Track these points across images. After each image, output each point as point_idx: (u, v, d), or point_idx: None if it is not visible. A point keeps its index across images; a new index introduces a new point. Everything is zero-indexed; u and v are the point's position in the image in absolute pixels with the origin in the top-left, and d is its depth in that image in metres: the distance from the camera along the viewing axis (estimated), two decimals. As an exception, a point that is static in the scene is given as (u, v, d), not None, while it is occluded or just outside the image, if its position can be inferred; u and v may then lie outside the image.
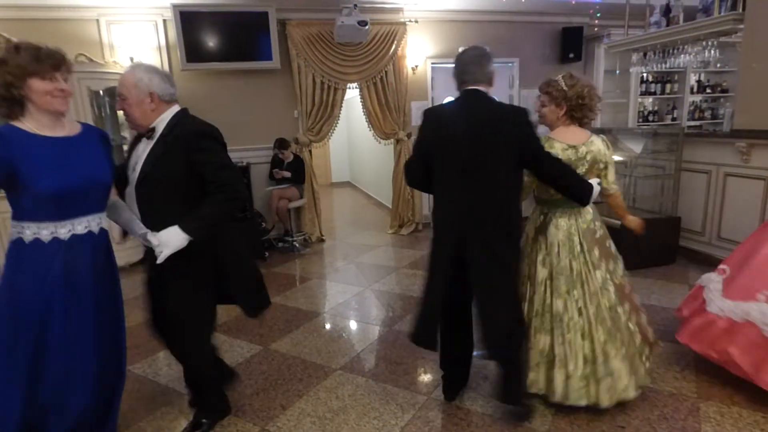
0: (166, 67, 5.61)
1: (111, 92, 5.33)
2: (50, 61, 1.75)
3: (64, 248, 1.85)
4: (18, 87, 1.71)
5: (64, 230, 1.84)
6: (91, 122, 4.95)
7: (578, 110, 2.41)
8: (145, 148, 2.07)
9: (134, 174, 2.05)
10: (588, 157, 2.41)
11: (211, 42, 5.49)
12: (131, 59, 5.46)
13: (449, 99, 2.01)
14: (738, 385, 2.61)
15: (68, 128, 1.91)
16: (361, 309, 4.02)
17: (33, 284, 1.82)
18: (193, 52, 5.46)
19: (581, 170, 2.40)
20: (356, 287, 4.51)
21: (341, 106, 6.15)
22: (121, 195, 2.14)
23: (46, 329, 1.85)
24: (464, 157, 2.16)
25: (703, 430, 2.27)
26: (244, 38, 5.61)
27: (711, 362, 2.62)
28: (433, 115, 2.32)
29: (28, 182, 1.74)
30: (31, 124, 1.78)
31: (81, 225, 1.89)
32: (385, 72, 6.13)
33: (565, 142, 2.41)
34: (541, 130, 2.38)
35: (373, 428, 2.41)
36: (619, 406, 2.44)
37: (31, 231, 1.80)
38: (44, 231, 1.81)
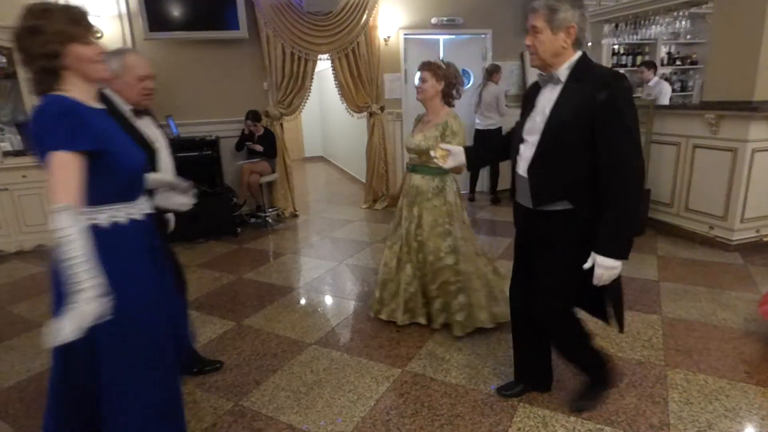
0: (128, 37, 5.37)
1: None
2: (85, 21, 1.49)
3: (143, 229, 1.65)
4: (63, 55, 1.44)
5: (135, 210, 1.62)
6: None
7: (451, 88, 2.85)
8: None
9: None
10: None
11: (175, 10, 5.25)
12: (94, 35, 5.19)
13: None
14: (704, 354, 2.70)
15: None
16: (335, 284, 3.99)
17: (139, 268, 1.61)
18: (156, 20, 5.21)
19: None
20: (330, 262, 4.48)
21: (312, 78, 6.01)
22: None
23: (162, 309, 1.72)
24: None
25: (670, 397, 2.34)
26: (210, 6, 5.38)
27: (678, 331, 2.69)
28: None
29: (115, 158, 1.51)
30: (77, 95, 1.49)
31: (145, 204, 1.69)
32: (357, 43, 5.99)
33: None
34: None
35: (348, 401, 2.41)
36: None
37: (107, 215, 1.54)
38: (121, 213, 1.56)
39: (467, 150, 2.35)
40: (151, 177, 2.01)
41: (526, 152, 1.98)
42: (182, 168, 5.57)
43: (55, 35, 1.42)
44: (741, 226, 4.21)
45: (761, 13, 3.82)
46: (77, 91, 1.50)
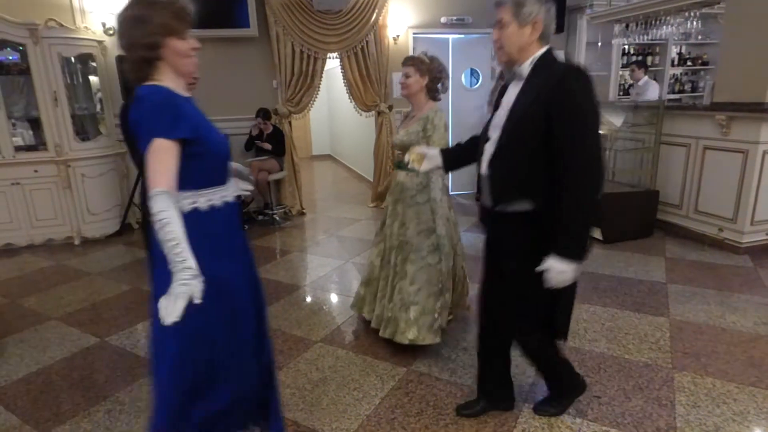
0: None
1: (83, 59, 5.14)
2: (188, 18, 1.56)
3: (234, 211, 1.72)
4: (162, 46, 1.50)
5: (227, 193, 1.68)
6: (62, 90, 4.80)
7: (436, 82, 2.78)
8: None
9: None
10: None
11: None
12: (103, 25, 5.24)
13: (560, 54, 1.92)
14: (712, 357, 2.68)
15: None
16: (341, 282, 4.00)
17: (235, 249, 1.70)
18: (167, 18, 5.24)
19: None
20: (337, 260, 4.49)
21: (321, 77, 6.02)
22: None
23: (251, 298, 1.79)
24: None
25: (678, 400, 2.32)
26: (221, 4, 5.41)
27: (686, 334, 2.67)
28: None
29: (208, 145, 1.57)
30: (170, 85, 1.55)
31: (233, 188, 1.75)
32: (366, 42, 5.99)
33: None
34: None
35: (353, 399, 2.41)
36: (598, 377, 2.49)
37: (205, 198, 1.59)
38: (216, 196, 1.62)
39: (443, 152, 2.26)
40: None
41: (488, 149, 1.92)
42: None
43: (158, 27, 1.47)
44: (751, 229, 4.18)
45: (774, 14, 3.78)
46: (169, 81, 1.55)
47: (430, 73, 2.74)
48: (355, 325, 3.22)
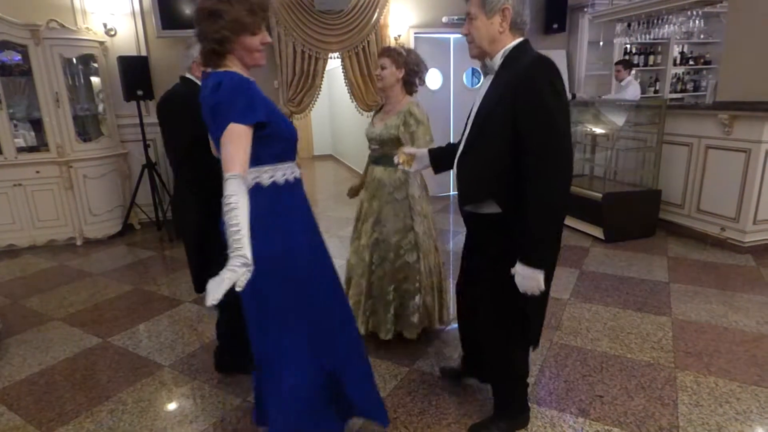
0: (141, 35, 5.41)
1: (84, 59, 5.14)
2: (263, 14, 1.59)
3: (299, 188, 1.78)
4: (231, 42, 1.55)
5: (294, 171, 1.74)
6: (64, 91, 4.81)
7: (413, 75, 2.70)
8: None
9: None
10: None
11: (188, 8, 5.28)
12: (104, 25, 5.25)
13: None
14: (714, 356, 2.67)
15: None
16: (343, 282, 3.99)
17: (302, 225, 1.75)
18: (169, 18, 5.25)
19: None
20: (339, 260, 4.45)
21: (323, 77, 6.02)
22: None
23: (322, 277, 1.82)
24: None
25: (680, 399, 2.32)
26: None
27: (689, 333, 2.66)
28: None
29: (279, 126, 1.63)
30: (238, 70, 1.61)
31: (297, 168, 1.79)
32: (368, 42, 5.99)
33: None
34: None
35: (356, 399, 2.41)
36: (600, 376, 2.49)
37: (268, 174, 1.65)
38: (279, 173, 1.68)
39: (432, 152, 2.20)
40: None
41: (461, 147, 1.89)
42: (193, 165, 5.60)
43: (230, 23, 1.51)
44: (753, 228, 4.17)
45: (777, 12, 3.77)
46: (238, 69, 1.60)
47: (407, 65, 2.65)
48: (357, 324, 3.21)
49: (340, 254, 4.65)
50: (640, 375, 2.52)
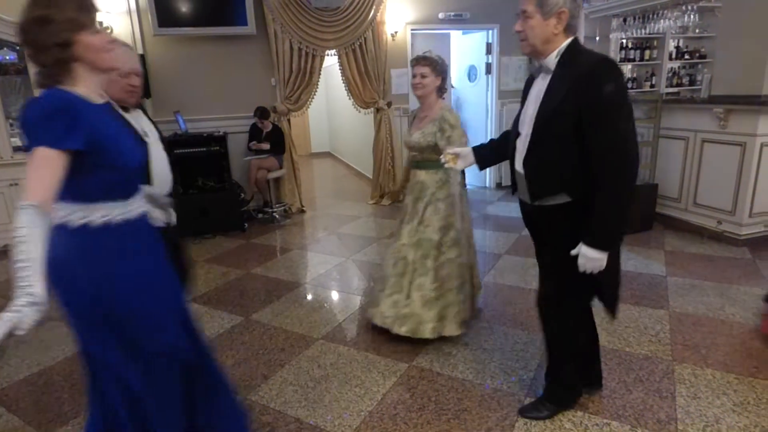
0: (137, 33, 5.39)
1: (78, 59, 5.12)
2: (93, 8, 1.43)
3: (138, 228, 1.58)
4: (75, 44, 1.37)
5: (131, 209, 1.54)
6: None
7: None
8: None
9: None
10: None
11: (184, 6, 5.27)
12: (100, 24, 5.22)
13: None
14: (712, 348, 2.69)
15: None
16: (342, 279, 4.01)
17: (133, 267, 1.53)
18: (165, 16, 5.24)
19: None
20: (337, 258, 4.50)
21: (320, 74, 6.02)
22: None
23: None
24: None
25: (678, 392, 2.33)
26: (219, 2, 5.40)
27: (686, 326, 2.68)
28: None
29: (110, 155, 1.43)
30: (82, 89, 1.43)
31: (141, 203, 1.62)
32: (364, 38, 5.98)
33: None
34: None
35: (355, 395, 2.42)
36: (603, 367, 2.50)
37: (100, 213, 1.45)
38: (115, 212, 1.48)
39: (476, 150, 2.32)
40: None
41: (520, 146, 1.94)
42: (190, 164, 5.63)
43: (65, 23, 1.35)
44: (749, 221, 4.19)
45: (772, 6, 3.78)
46: (84, 84, 1.44)
47: (443, 73, 2.81)
48: (356, 321, 3.22)
49: (339, 252, 4.66)
50: (638, 368, 2.53)
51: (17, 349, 3.02)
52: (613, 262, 1.83)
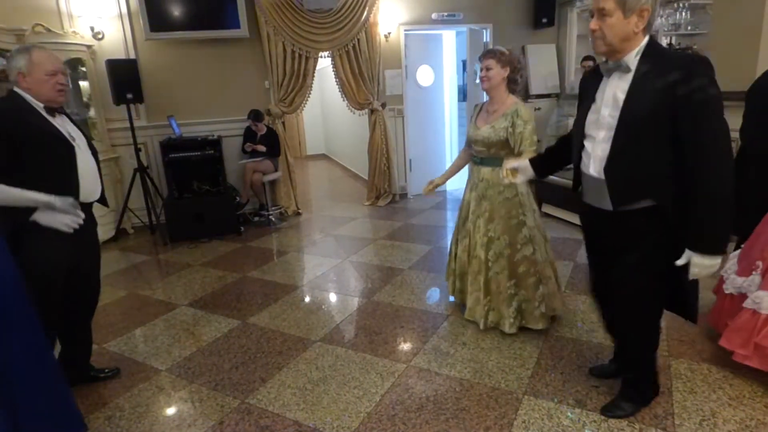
0: (129, 38, 5.38)
1: (72, 64, 5.10)
2: None
3: None
4: None
5: None
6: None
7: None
8: None
9: None
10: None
11: (176, 10, 5.26)
12: (92, 29, 5.21)
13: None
14: (707, 343, 2.70)
15: None
16: (339, 281, 4.01)
17: None
18: (157, 20, 5.22)
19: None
20: (334, 260, 4.49)
21: (313, 76, 6.01)
22: None
23: None
24: None
25: (674, 387, 2.34)
26: (211, 5, 5.39)
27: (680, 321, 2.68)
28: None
29: None
30: None
31: None
32: (358, 40, 5.98)
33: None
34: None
35: (354, 397, 2.42)
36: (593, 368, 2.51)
37: None
38: None
39: (533, 161, 2.29)
40: (14, 192, 1.95)
41: (596, 150, 1.86)
42: (185, 168, 5.61)
43: None
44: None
45: (761, 3, 3.80)
46: None
47: (510, 64, 2.73)
48: (353, 323, 3.22)
49: (336, 253, 4.66)
50: (635, 365, 2.54)
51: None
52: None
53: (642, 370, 2.17)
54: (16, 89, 2.17)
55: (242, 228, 5.57)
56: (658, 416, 2.14)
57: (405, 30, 6.35)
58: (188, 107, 5.72)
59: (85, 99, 5.33)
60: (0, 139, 2.02)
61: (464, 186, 3.12)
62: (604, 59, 1.86)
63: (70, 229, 2.06)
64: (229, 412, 2.36)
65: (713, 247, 1.70)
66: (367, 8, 5.90)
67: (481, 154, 2.87)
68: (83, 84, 5.29)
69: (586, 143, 1.92)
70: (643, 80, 1.71)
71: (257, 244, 5.11)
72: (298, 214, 6.28)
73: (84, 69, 5.16)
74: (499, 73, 2.71)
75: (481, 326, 2.93)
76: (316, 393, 2.47)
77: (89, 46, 5.16)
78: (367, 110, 6.34)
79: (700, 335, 2.78)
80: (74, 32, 5.11)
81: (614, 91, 1.79)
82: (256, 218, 6.02)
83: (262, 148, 5.66)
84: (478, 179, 2.91)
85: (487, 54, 2.74)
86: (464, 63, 7.14)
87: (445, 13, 6.36)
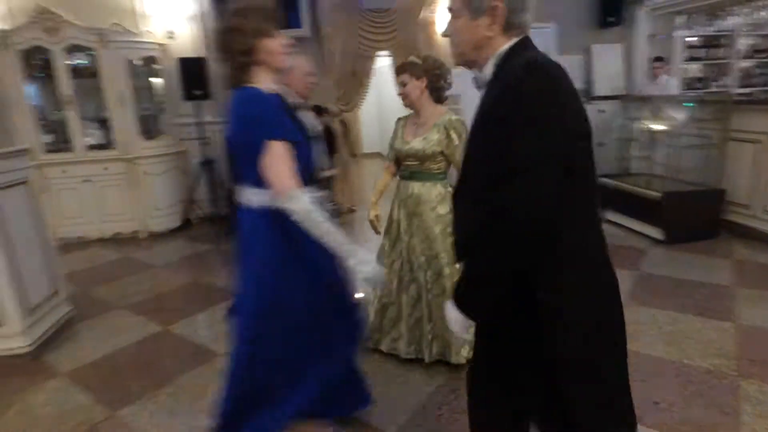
0: (199, 37, 5.62)
1: (146, 61, 5.40)
2: (275, 17, 1.70)
3: None
4: (256, 51, 1.62)
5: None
6: (128, 91, 5.07)
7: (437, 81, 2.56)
8: None
9: None
10: None
11: (242, 10, 5.45)
12: (165, 28, 5.49)
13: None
14: (780, 362, 2.54)
15: None
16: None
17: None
18: (225, 21, 5.43)
19: None
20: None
21: (371, 75, 6.07)
22: None
23: None
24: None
25: (743, 409, 2.21)
26: (276, 6, 5.55)
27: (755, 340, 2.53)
28: (561, 72, 1.17)
29: (299, 148, 1.65)
30: (263, 87, 1.65)
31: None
32: (416, 39, 5.99)
33: None
34: None
35: (401, 393, 2.44)
36: (655, 382, 2.41)
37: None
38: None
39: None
40: None
41: None
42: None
43: (252, 32, 1.60)
44: (828, 231, 3.90)
45: None
46: (263, 83, 1.66)
47: (426, 73, 2.53)
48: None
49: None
50: (699, 382, 2.42)
51: (89, 333, 3.23)
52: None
53: None
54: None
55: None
56: (723, 437, 2.03)
57: (466, 29, 6.28)
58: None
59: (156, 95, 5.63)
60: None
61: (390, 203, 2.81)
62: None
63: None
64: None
65: (456, 295, 1.30)
66: (424, 8, 5.89)
67: (411, 168, 2.63)
68: (155, 80, 5.59)
69: None
70: (485, 98, 1.28)
71: (312, 239, 5.20)
72: (353, 211, 6.35)
73: (156, 66, 5.46)
74: (416, 86, 2.51)
75: (427, 359, 2.63)
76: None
77: (162, 45, 5.45)
78: (424, 109, 6.32)
79: (774, 355, 2.61)
80: (148, 31, 5.40)
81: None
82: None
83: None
84: (406, 194, 2.65)
85: (398, 69, 2.57)
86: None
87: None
